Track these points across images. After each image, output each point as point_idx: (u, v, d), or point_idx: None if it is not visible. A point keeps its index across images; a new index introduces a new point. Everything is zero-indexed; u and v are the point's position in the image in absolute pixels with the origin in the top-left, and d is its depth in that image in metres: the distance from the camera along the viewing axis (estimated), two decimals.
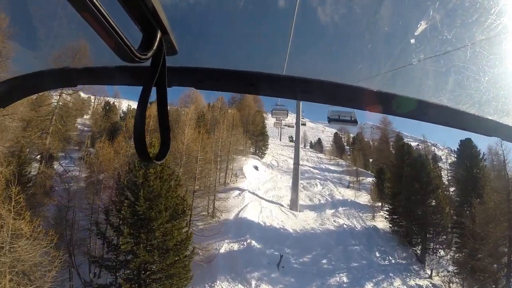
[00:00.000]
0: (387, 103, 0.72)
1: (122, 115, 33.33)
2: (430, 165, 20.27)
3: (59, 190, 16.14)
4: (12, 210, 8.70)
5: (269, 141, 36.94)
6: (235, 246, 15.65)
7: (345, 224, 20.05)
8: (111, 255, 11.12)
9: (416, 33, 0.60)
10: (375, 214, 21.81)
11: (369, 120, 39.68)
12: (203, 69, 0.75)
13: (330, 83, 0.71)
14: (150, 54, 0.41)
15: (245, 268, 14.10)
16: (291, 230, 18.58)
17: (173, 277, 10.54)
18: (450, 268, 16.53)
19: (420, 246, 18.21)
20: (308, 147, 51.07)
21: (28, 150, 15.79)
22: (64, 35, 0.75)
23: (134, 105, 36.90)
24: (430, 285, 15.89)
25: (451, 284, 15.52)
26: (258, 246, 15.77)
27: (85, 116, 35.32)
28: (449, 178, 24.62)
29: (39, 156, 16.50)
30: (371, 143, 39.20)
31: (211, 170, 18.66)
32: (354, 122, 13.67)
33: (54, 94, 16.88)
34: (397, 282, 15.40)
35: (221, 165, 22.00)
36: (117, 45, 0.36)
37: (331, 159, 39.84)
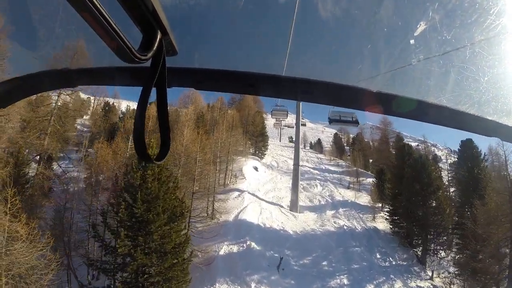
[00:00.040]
0: (387, 103, 0.73)
1: (121, 116, 33.31)
2: (431, 166, 20.29)
3: (57, 192, 16.08)
4: (8, 212, 8.64)
5: (269, 141, 36.97)
6: (235, 248, 15.60)
7: (346, 225, 20.04)
8: (109, 257, 11.07)
9: (415, 34, 0.60)
10: (375, 215, 21.81)
11: (369, 121, 39.76)
12: (203, 70, 0.76)
13: (329, 84, 0.72)
14: (150, 54, 0.41)
15: (244, 270, 14.04)
16: (291, 232, 18.55)
17: (172, 280, 10.48)
18: (451, 269, 16.53)
19: (421, 248, 18.21)
20: (308, 147, 51.13)
21: (27, 151, 15.76)
22: (64, 36, 0.75)
23: (133, 105, 36.91)
24: (431, 286, 15.87)
25: (452, 286, 15.51)
26: (257, 248, 15.73)
27: (84, 117, 35.36)
28: (449, 178, 24.69)
29: (37, 157, 16.44)
30: (371, 143, 39.28)
31: (210, 171, 18.63)
32: (356, 123, 13.62)
33: (52, 94, 16.86)
34: (398, 284, 15.38)
35: (221, 166, 21.99)
36: (117, 46, 0.36)
37: (331, 160, 39.88)
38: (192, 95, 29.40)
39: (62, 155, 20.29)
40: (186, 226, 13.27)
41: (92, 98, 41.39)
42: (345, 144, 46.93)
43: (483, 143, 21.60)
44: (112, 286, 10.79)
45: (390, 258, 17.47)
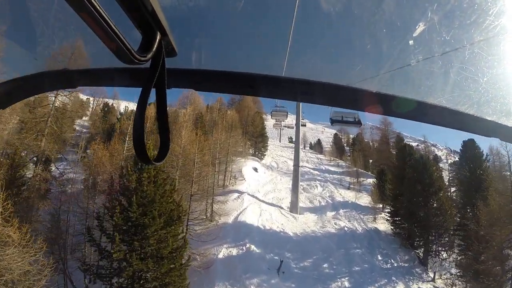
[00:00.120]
0: (386, 104, 0.73)
1: (119, 117, 33.34)
2: (432, 167, 20.37)
3: (55, 193, 15.98)
4: (0, 216, 8.54)
5: (268, 142, 37.01)
6: (234, 251, 15.53)
7: (346, 227, 20.05)
8: (105, 262, 10.91)
9: (414, 34, 0.61)
10: (376, 216, 21.84)
11: (369, 121, 39.93)
12: (202, 71, 0.76)
13: (329, 85, 0.73)
14: (149, 56, 0.42)
15: (244, 274, 13.96)
16: (291, 234, 18.52)
17: (168, 285, 10.37)
18: (453, 270, 16.55)
19: (422, 249, 18.23)
20: (308, 148, 51.19)
21: (25, 152, 15.69)
22: (64, 37, 0.76)
23: (132, 106, 36.87)
24: None
25: (454, 287, 15.52)
26: (257, 251, 15.68)
27: (84, 118, 35.36)
28: (450, 178, 24.79)
29: (34, 158, 16.36)
30: (371, 143, 39.44)
31: (209, 172, 18.60)
32: (358, 123, 13.50)
33: (50, 95, 16.82)
34: (400, 286, 15.37)
35: (220, 167, 21.96)
36: (116, 47, 0.37)
37: (331, 160, 39.96)
38: (191, 96, 29.44)
39: (60, 156, 20.24)
40: (183, 229, 13.09)
41: (91, 99, 41.45)
42: (345, 145, 47.09)
43: (483, 143, 21.70)
44: None
45: (392, 260, 17.47)
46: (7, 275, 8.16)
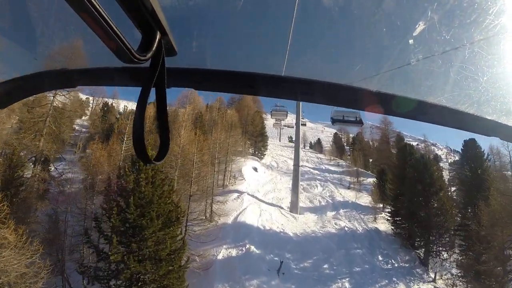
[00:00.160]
0: (386, 103, 0.74)
1: (118, 116, 33.37)
2: (433, 166, 20.42)
3: (53, 194, 15.95)
4: None
5: (268, 141, 37.06)
6: (234, 252, 15.52)
7: (347, 227, 20.09)
8: (103, 264, 10.82)
9: (414, 34, 0.61)
10: (376, 216, 21.89)
11: (369, 120, 40.00)
12: (202, 70, 0.77)
13: (329, 84, 0.73)
14: (149, 55, 0.42)
15: (243, 275, 13.92)
16: (291, 234, 18.55)
17: None
18: (453, 271, 16.60)
19: (423, 249, 18.28)
20: (308, 147, 51.33)
21: (24, 152, 15.65)
22: (63, 36, 0.76)
23: (131, 105, 36.87)
24: None
25: None
26: (257, 252, 15.68)
27: (83, 117, 35.36)
28: (450, 178, 24.86)
29: (33, 158, 16.34)
30: (370, 143, 39.53)
31: (208, 172, 18.59)
32: (360, 123, 13.48)
33: (48, 95, 16.79)
34: (401, 287, 15.41)
35: (220, 167, 21.97)
36: (116, 46, 0.37)
37: (331, 160, 40.05)
38: (190, 95, 29.44)
39: (60, 156, 20.24)
40: (182, 231, 12.96)
41: (91, 98, 41.47)
42: (345, 144, 47.22)
43: (484, 142, 21.77)
44: None
45: (392, 260, 17.51)
46: (3, 278, 8.10)
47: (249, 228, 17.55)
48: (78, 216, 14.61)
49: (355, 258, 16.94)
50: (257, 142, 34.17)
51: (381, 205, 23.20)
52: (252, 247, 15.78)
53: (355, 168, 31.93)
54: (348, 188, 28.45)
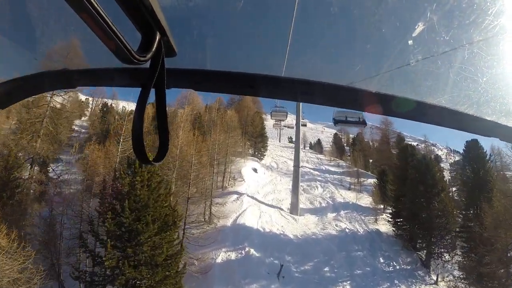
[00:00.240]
0: (386, 104, 0.75)
1: (117, 117, 33.33)
2: (435, 167, 20.46)
3: (49, 196, 15.84)
4: None
5: (268, 142, 37.10)
6: (233, 255, 15.45)
7: (347, 228, 20.08)
8: (98, 269, 10.67)
9: (414, 34, 0.62)
10: (377, 217, 21.90)
11: (369, 121, 40.10)
12: (202, 71, 0.77)
13: (329, 85, 0.74)
14: (149, 56, 0.42)
15: (243, 279, 13.83)
16: (291, 236, 18.51)
17: None
18: (455, 272, 16.60)
19: (425, 251, 18.28)
20: (308, 148, 51.39)
21: (21, 154, 15.58)
22: (63, 37, 0.77)
23: (130, 106, 36.85)
24: None
25: None
26: (257, 255, 15.61)
27: (83, 118, 35.39)
28: (450, 178, 24.94)
29: (30, 159, 16.27)
30: (371, 143, 39.65)
31: (207, 174, 18.54)
32: (363, 123, 13.31)
33: (46, 95, 16.73)
34: None
35: (219, 168, 21.93)
36: (116, 47, 0.38)
37: (331, 160, 40.13)
38: (190, 96, 29.45)
39: (57, 157, 20.18)
40: (179, 235, 12.75)
41: (90, 99, 41.52)
42: (345, 144, 47.35)
43: (484, 143, 21.77)
44: None
45: (394, 262, 17.50)
46: None
47: (249, 230, 17.50)
48: (74, 218, 14.52)
49: (356, 261, 16.91)
50: (257, 142, 34.19)
51: (382, 206, 23.23)
52: (252, 250, 15.72)
53: (356, 169, 31.98)
54: (349, 189, 28.47)
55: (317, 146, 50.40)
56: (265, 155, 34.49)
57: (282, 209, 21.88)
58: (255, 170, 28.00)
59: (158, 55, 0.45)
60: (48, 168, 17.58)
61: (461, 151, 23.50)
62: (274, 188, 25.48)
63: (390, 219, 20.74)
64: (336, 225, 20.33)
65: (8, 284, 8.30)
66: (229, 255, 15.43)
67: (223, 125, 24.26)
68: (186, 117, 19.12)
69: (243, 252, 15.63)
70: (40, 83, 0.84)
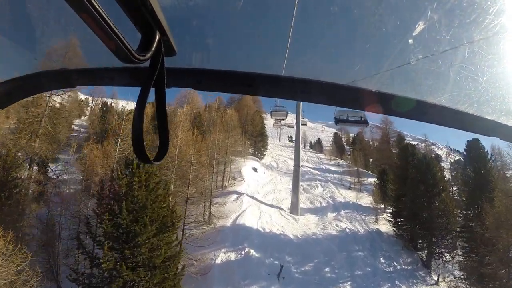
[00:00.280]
0: (386, 103, 0.75)
1: (115, 116, 33.27)
2: (436, 167, 20.48)
3: (48, 196, 15.81)
4: None
5: (268, 141, 37.13)
6: (232, 256, 15.44)
7: (348, 228, 20.11)
8: (96, 270, 10.57)
9: (414, 33, 0.63)
10: (378, 216, 21.96)
11: (369, 120, 40.02)
12: (201, 70, 0.78)
13: (329, 84, 0.74)
14: (148, 55, 0.42)
15: (243, 280, 13.79)
16: (291, 236, 18.54)
17: None
18: (456, 272, 16.65)
19: (425, 251, 18.33)
20: (308, 147, 51.49)
21: (20, 154, 15.55)
22: (63, 36, 0.77)
23: (129, 105, 36.87)
24: None
25: None
26: (256, 255, 15.61)
27: (82, 118, 35.43)
28: (451, 178, 25.00)
29: (28, 159, 16.25)
30: (371, 142, 39.72)
31: (206, 174, 18.54)
32: (365, 123, 13.18)
33: (45, 95, 16.68)
34: None
35: (219, 167, 21.93)
36: (116, 47, 0.38)
37: (331, 159, 40.20)
38: (189, 95, 29.45)
39: (58, 156, 20.19)
40: (178, 236, 12.66)
41: (90, 98, 41.55)
42: (345, 144, 47.44)
43: (485, 142, 21.77)
44: None
45: (395, 263, 17.54)
46: None
47: (249, 230, 17.52)
48: (72, 219, 14.50)
49: (357, 261, 16.94)
50: (256, 142, 34.22)
51: (382, 206, 23.28)
52: (252, 251, 15.73)
53: (356, 168, 32.04)
54: (349, 188, 28.52)
55: (317, 145, 50.49)
56: (265, 154, 34.53)
57: (282, 209, 21.91)
58: (255, 169, 28.03)
59: (158, 54, 0.45)
60: (47, 168, 17.56)
61: (461, 150, 23.60)
62: (274, 187, 25.51)
63: (390, 219, 20.78)
64: (337, 225, 20.37)
65: (4, 287, 8.24)
66: (228, 256, 15.43)
67: (223, 124, 24.25)
68: (185, 117, 19.10)
69: (242, 252, 15.63)
70: (40, 82, 0.84)
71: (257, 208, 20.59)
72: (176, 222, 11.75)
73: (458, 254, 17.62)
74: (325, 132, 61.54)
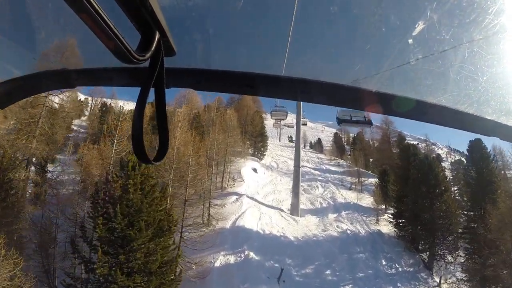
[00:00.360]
0: (386, 103, 0.76)
1: (112, 117, 33.26)
2: (438, 168, 20.51)
3: (45, 197, 15.72)
4: None
5: (268, 141, 37.17)
6: (232, 259, 15.37)
7: (349, 230, 20.11)
8: (92, 275, 10.39)
9: (414, 33, 0.64)
10: (379, 217, 21.97)
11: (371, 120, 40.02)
12: (201, 70, 0.79)
13: (329, 84, 0.75)
14: (148, 55, 0.43)
15: (242, 284, 13.73)
16: (292, 238, 18.51)
17: None
18: (458, 274, 16.66)
19: (427, 252, 18.33)
20: (308, 147, 51.58)
21: (18, 154, 15.49)
22: (63, 37, 0.78)
23: (127, 106, 36.94)
24: None
25: None
26: (256, 258, 15.55)
27: (82, 118, 35.47)
28: (451, 178, 25.06)
29: (25, 160, 16.18)
30: (371, 142, 39.83)
31: (205, 175, 18.49)
32: (369, 123, 13.12)
33: (42, 95, 16.63)
34: None
35: (218, 169, 21.90)
36: (115, 47, 0.38)
37: (332, 160, 40.27)
38: (188, 95, 29.45)
39: (56, 157, 20.14)
40: (174, 240, 12.39)
41: (90, 98, 41.66)
42: (345, 144, 47.56)
43: (485, 142, 21.81)
44: None
45: (396, 265, 17.54)
46: None
47: (248, 232, 17.48)
48: (69, 222, 14.40)
49: (358, 263, 16.92)
50: (256, 142, 34.24)
51: (383, 206, 23.30)
52: (251, 254, 15.67)
53: (356, 168, 32.09)
54: (350, 189, 28.55)
55: (317, 145, 50.59)
56: (265, 154, 34.55)
57: (282, 210, 21.89)
58: (255, 170, 28.02)
59: (158, 54, 0.45)
60: (46, 169, 17.49)
61: (461, 150, 23.71)
62: (274, 188, 25.50)
63: (392, 220, 20.79)
64: (337, 226, 20.36)
65: None
66: (228, 259, 15.37)
67: (222, 124, 24.25)
68: (184, 117, 19.07)
69: (242, 255, 15.57)
70: (40, 83, 0.85)
71: (257, 209, 20.57)
72: (172, 226, 11.57)
73: (460, 256, 17.64)
74: (325, 132, 61.68)
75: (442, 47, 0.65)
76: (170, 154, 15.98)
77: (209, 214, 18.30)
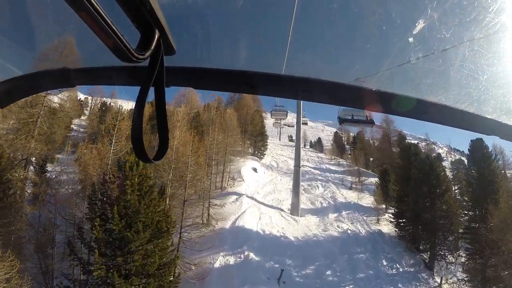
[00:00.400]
0: (386, 102, 0.77)
1: (110, 116, 33.31)
2: (440, 167, 20.52)
3: (44, 198, 15.70)
4: None
5: (268, 141, 37.19)
6: (231, 260, 15.35)
7: (349, 230, 20.13)
8: (90, 277, 10.36)
9: (414, 32, 0.64)
10: (379, 217, 22.00)
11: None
12: (201, 69, 0.79)
13: (328, 83, 0.76)
14: (148, 54, 0.43)
15: (242, 285, 13.71)
16: (292, 238, 18.53)
17: None
18: (459, 274, 16.70)
19: (429, 253, 18.36)
20: (308, 146, 51.63)
21: (18, 154, 15.47)
22: (62, 36, 0.78)
23: (127, 105, 36.99)
24: None
25: None
26: (256, 259, 15.54)
27: (82, 117, 35.55)
28: (452, 177, 25.11)
29: (24, 160, 16.18)
30: (371, 142, 39.88)
31: (205, 175, 18.49)
32: (371, 122, 13.04)
33: (41, 95, 16.60)
34: None
35: (218, 168, 21.90)
36: (115, 45, 0.38)
37: (332, 159, 40.32)
38: (187, 94, 29.43)
39: (56, 156, 20.12)
40: (173, 242, 12.30)
41: (89, 98, 41.77)
42: (345, 143, 47.63)
43: (486, 141, 21.78)
44: None
45: (397, 265, 17.57)
46: None
47: (248, 232, 17.49)
48: (67, 222, 14.40)
49: (359, 263, 16.94)
50: (256, 141, 34.27)
51: (384, 206, 23.33)
52: (251, 254, 15.66)
53: (356, 168, 32.13)
54: (350, 188, 28.58)
55: (317, 145, 50.65)
56: (265, 154, 34.58)
57: (282, 210, 21.90)
58: (254, 169, 28.04)
59: (157, 53, 0.45)
60: (45, 169, 17.49)
61: (462, 149, 23.76)
62: (274, 188, 25.51)
63: (392, 220, 20.82)
64: (338, 226, 20.38)
65: None
66: (227, 260, 15.36)
67: (222, 124, 24.24)
68: (183, 116, 19.05)
69: (242, 256, 15.56)
70: (40, 82, 0.85)
71: (257, 209, 20.57)
72: (171, 228, 11.48)
73: (461, 256, 17.67)
74: (326, 131, 61.74)
75: (443, 46, 0.65)
76: (169, 154, 15.94)
77: (208, 214, 18.31)
